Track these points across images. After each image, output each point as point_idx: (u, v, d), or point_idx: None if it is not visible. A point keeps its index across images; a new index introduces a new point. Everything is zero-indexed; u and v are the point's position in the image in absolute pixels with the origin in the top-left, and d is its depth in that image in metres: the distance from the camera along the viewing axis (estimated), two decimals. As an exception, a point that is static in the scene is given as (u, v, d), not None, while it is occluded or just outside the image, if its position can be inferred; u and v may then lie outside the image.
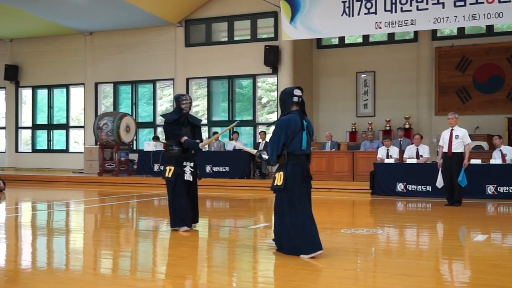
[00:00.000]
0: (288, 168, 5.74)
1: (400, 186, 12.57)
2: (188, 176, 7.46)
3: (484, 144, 14.78)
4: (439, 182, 11.02)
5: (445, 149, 10.64)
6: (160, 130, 19.70)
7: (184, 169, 7.45)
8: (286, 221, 5.79)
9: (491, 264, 5.65)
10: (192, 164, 7.53)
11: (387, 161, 12.99)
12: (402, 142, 15.04)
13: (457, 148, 10.56)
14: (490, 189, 11.89)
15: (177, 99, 7.58)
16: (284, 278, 5.17)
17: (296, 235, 5.75)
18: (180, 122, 7.53)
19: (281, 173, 5.76)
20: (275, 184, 5.81)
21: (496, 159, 12.20)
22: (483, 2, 13.19)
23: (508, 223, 8.96)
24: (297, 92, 5.83)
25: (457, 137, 10.56)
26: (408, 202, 11.55)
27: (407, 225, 8.60)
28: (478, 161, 12.15)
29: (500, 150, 12.32)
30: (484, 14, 13.19)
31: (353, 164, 14.76)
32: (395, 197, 12.27)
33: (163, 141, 18.61)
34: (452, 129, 10.65)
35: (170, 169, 7.43)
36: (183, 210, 7.41)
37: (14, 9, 17.72)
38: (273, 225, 6.02)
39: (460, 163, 10.51)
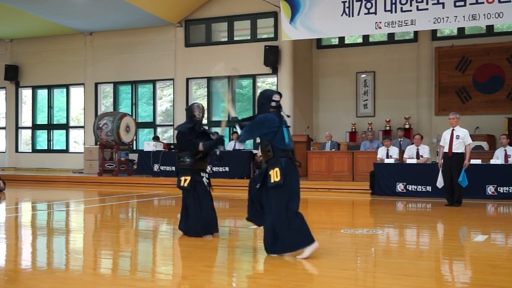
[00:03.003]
0: (283, 163, 5.69)
1: (400, 186, 12.57)
2: (207, 185, 7.21)
3: (484, 144, 14.77)
4: (439, 182, 11.02)
5: (446, 149, 10.64)
6: (159, 130, 19.72)
7: (202, 179, 7.16)
8: (286, 216, 5.64)
9: (491, 264, 5.65)
10: (207, 175, 7.28)
11: (387, 161, 12.98)
12: (402, 142, 15.04)
13: (457, 148, 10.55)
14: (490, 189, 11.88)
15: (189, 108, 7.31)
16: (284, 278, 5.17)
17: (296, 229, 5.64)
18: (195, 130, 7.22)
19: (277, 169, 5.66)
20: (272, 181, 5.66)
21: (498, 159, 12.17)
22: (483, 2, 13.18)
23: (508, 224, 8.96)
24: (275, 97, 5.87)
25: (458, 137, 10.55)
26: (408, 202, 11.55)
27: (407, 225, 8.60)
28: (478, 161, 12.14)
29: (505, 150, 12.28)
30: (484, 14, 13.19)
31: (353, 164, 14.75)
32: (395, 197, 12.27)
33: (163, 141, 18.64)
34: (453, 129, 10.65)
35: (185, 179, 7.07)
36: (208, 215, 7.08)
37: (15, 9, 17.72)
38: (267, 223, 5.80)
39: (461, 163, 10.50)
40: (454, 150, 10.54)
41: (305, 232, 5.66)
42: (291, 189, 5.69)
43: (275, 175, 5.65)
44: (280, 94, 5.96)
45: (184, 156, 7.12)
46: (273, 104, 5.87)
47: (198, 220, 6.97)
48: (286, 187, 5.65)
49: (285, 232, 5.65)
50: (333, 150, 15.55)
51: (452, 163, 10.57)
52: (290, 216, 5.64)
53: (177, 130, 7.39)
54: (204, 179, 7.15)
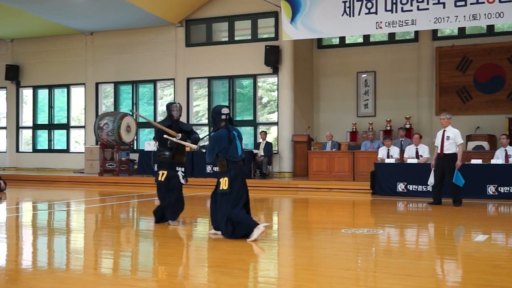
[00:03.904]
0: (232, 174, 6.81)
1: (400, 186, 12.57)
2: (182, 180, 8.00)
3: (485, 144, 14.76)
4: (430, 182, 11.07)
5: (439, 150, 10.71)
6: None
7: (178, 173, 7.96)
8: (231, 216, 6.70)
9: (491, 264, 5.65)
10: (183, 169, 8.04)
11: (387, 161, 12.98)
12: (403, 142, 15.03)
13: (448, 149, 10.58)
14: (490, 189, 11.87)
15: (168, 107, 8.09)
16: (285, 278, 5.18)
17: (241, 224, 6.71)
18: (172, 128, 7.95)
19: (226, 179, 6.80)
20: (221, 188, 6.81)
21: (498, 158, 12.16)
22: (483, 2, 13.17)
23: (509, 224, 8.96)
24: (224, 110, 6.95)
25: (448, 138, 10.58)
26: (408, 202, 11.55)
27: (408, 225, 8.60)
28: (479, 161, 12.14)
29: (506, 150, 12.27)
30: (485, 14, 13.18)
31: (354, 164, 14.76)
32: (396, 197, 12.27)
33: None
34: (444, 130, 10.69)
35: (163, 174, 7.95)
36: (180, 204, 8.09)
37: (15, 9, 17.72)
38: (218, 219, 6.93)
39: (453, 164, 10.52)
40: (445, 151, 10.59)
41: (245, 224, 6.70)
42: (235, 197, 6.77)
43: (224, 184, 6.79)
44: (228, 108, 7.10)
45: (164, 150, 7.98)
46: (223, 117, 6.92)
47: (166, 207, 7.96)
48: (231, 195, 6.75)
49: (232, 226, 6.76)
50: (333, 150, 15.56)
51: (444, 164, 10.62)
52: (233, 216, 6.71)
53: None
54: (180, 173, 7.97)
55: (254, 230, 6.67)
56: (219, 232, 6.96)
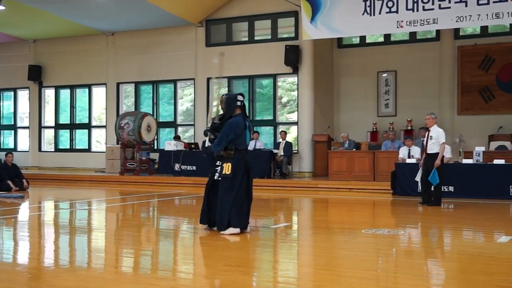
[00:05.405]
0: (235, 160, 6.95)
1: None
2: (216, 175, 7.38)
3: (508, 144, 14.57)
4: (417, 178, 11.11)
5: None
6: (180, 129, 19.80)
7: (217, 168, 7.34)
8: (227, 202, 6.89)
9: (515, 266, 5.57)
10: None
11: (408, 161, 12.88)
12: (425, 142, 14.89)
13: (432, 149, 10.55)
14: (514, 190, 11.71)
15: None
16: (305, 278, 5.17)
17: (231, 212, 6.88)
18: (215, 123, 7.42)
19: (229, 164, 6.92)
20: (223, 173, 6.95)
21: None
22: (507, 1, 12.98)
23: (533, 225, 8.82)
24: (239, 97, 7.15)
25: (431, 137, 10.52)
26: (430, 203, 11.42)
27: (429, 226, 8.52)
28: (502, 161, 11.97)
29: None
30: (508, 13, 13.00)
31: (374, 164, 14.67)
32: (417, 198, 12.14)
33: (184, 140, 18.73)
34: (429, 130, 10.64)
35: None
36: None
37: (38, 10, 17.95)
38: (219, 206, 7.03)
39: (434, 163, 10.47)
40: (428, 151, 10.59)
41: (238, 215, 6.88)
42: (234, 183, 6.91)
43: (227, 168, 6.93)
44: (243, 95, 7.22)
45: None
46: (238, 103, 7.10)
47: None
48: (234, 180, 6.91)
49: (221, 212, 6.96)
50: (354, 150, 15.48)
51: (429, 163, 10.57)
52: (226, 202, 6.90)
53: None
54: (219, 168, 7.33)
55: (232, 228, 6.90)
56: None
